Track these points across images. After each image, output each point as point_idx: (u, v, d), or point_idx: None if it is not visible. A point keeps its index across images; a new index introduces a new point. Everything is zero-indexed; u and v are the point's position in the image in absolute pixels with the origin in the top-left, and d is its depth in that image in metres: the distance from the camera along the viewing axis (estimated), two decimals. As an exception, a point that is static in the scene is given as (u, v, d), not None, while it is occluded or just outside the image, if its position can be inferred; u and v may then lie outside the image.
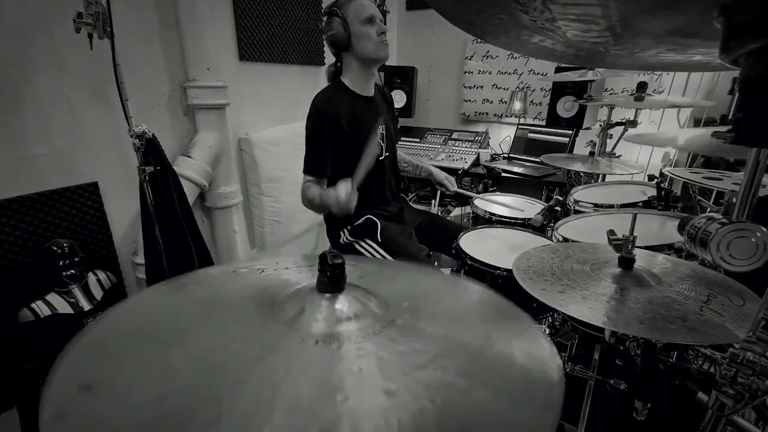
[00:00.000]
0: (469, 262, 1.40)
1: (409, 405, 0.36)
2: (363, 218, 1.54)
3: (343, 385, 0.38)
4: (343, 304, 0.49)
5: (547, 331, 1.35)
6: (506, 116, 3.43)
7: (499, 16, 0.52)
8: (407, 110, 3.34)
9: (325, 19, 1.45)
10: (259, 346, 0.43)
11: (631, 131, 2.10)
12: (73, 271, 1.35)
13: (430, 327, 0.48)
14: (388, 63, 1.85)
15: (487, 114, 3.56)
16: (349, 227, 1.57)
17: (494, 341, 0.47)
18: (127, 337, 0.45)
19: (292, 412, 0.35)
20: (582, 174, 2.42)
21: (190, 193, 1.76)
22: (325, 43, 1.52)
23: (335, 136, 1.43)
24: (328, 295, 0.49)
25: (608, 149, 2.26)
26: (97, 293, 1.41)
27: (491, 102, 3.51)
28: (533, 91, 3.31)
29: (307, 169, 1.47)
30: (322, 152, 1.43)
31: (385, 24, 1.49)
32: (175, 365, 0.40)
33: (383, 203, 1.64)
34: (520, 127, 3.27)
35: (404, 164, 1.87)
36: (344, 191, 1.24)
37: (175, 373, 0.39)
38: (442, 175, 1.87)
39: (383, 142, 1.60)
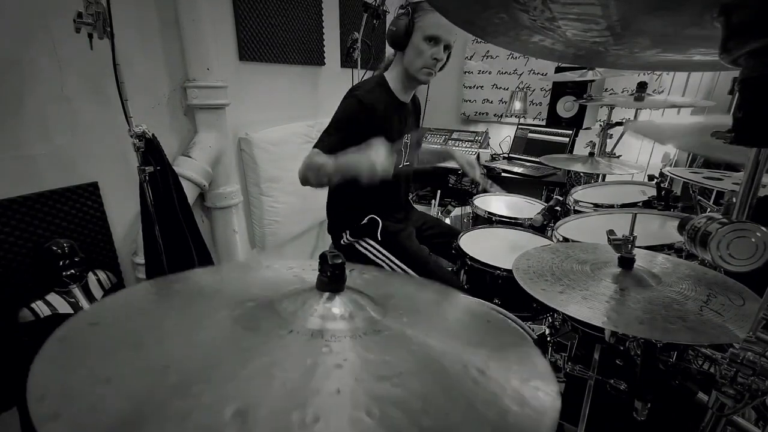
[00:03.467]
0: (469, 263, 1.39)
1: (343, 408, 0.34)
2: (366, 218, 1.54)
3: (287, 376, 0.37)
4: (335, 304, 0.49)
5: (547, 331, 1.35)
6: (506, 116, 3.43)
7: (499, 16, 0.51)
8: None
9: (401, 10, 1.43)
10: (232, 330, 0.45)
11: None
12: (73, 271, 1.34)
13: (414, 345, 0.45)
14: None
15: (487, 114, 3.56)
16: (350, 228, 1.57)
17: (484, 377, 0.42)
18: (126, 315, 0.49)
19: (221, 383, 0.35)
20: (582, 174, 2.42)
21: (190, 193, 1.76)
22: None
23: (363, 126, 1.37)
24: (327, 294, 0.50)
25: (608, 149, 2.26)
26: (97, 293, 1.41)
27: (491, 102, 3.52)
28: (533, 91, 3.31)
29: (321, 145, 1.35)
30: (344, 136, 1.36)
31: (447, 54, 1.45)
32: (163, 342, 0.43)
33: (391, 210, 1.64)
34: (520, 127, 3.28)
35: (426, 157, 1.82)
36: (382, 154, 1.18)
37: (162, 350, 0.42)
38: (464, 159, 1.72)
39: (404, 151, 1.61)
